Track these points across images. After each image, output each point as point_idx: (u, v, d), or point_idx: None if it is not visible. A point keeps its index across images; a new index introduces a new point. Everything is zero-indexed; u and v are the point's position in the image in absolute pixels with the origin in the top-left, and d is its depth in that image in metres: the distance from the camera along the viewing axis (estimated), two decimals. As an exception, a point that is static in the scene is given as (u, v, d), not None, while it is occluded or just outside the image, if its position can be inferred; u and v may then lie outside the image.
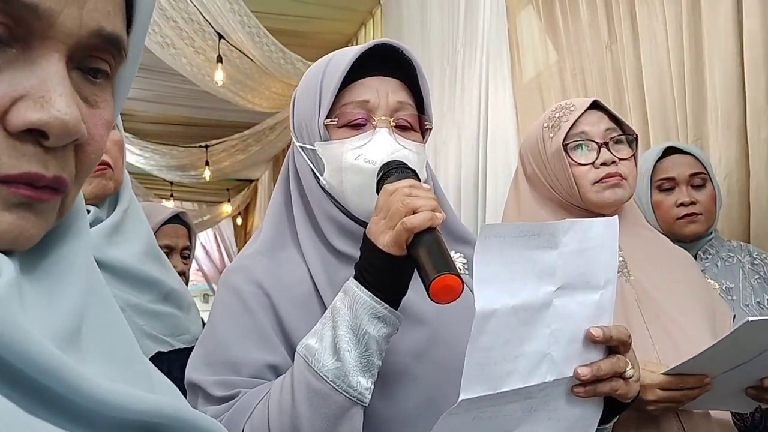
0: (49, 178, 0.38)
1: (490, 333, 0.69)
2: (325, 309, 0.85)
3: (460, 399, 0.69)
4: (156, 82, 5.13)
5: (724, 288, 1.57)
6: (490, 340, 0.69)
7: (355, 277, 0.80)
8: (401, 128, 0.93)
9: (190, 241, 1.88)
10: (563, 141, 1.22)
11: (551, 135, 1.25)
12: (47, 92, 0.37)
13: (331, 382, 0.75)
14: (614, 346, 0.80)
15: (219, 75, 4.09)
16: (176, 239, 1.85)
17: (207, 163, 6.20)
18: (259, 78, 4.41)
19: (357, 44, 4.70)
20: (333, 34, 4.56)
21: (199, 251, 8.98)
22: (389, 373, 0.83)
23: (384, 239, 0.77)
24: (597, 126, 1.23)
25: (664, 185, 1.69)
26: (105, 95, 0.43)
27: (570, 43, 2.51)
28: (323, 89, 0.91)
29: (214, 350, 0.87)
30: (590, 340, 0.77)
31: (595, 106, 1.26)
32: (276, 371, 0.84)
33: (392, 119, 0.91)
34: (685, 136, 1.94)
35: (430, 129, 0.98)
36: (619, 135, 1.24)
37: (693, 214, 1.65)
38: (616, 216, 0.80)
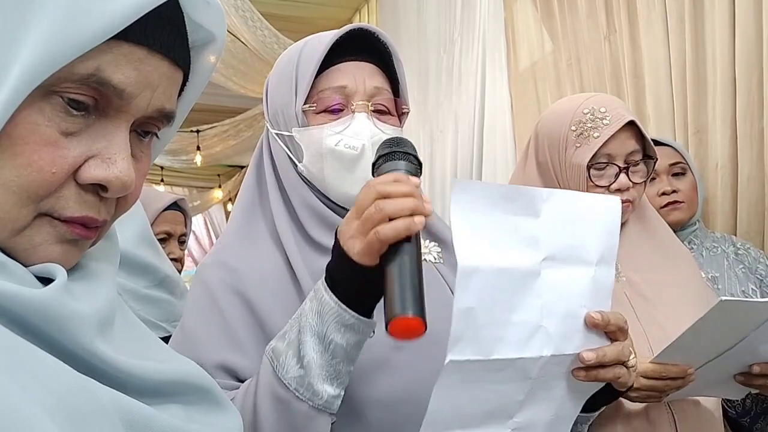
0: (99, 221, 0.49)
1: (474, 291, 0.66)
2: (305, 297, 0.83)
3: (447, 360, 0.65)
4: (147, 65, 5.07)
5: (709, 277, 1.60)
6: (475, 298, 0.66)
7: (326, 280, 0.74)
8: (379, 113, 0.93)
9: (187, 228, 1.89)
10: (588, 161, 1.20)
11: (577, 145, 1.21)
12: (113, 155, 0.47)
13: (294, 390, 0.72)
14: (612, 332, 0.78)
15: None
16: (174, 226, 1.86)
17: (198, 148, 6.15)
18: (252, 63, 4.36)
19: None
20: (328, 20, 4.52)
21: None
22: (368, 362, 0.82)
23: (354, 246, 0.70)
24: (623, 147, 1.21)
25: None
26: (148, 150, 0.53)
27: (566, 33, 2.50)
28: (299, 75, 0.91)
29: (182, 346, 0.85)
30: (590, 324, 0.75)
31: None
32: (241, 373, 0.82)
33: (370, 104, 0.91)
34: (684, 129, 1.94)
35: (407, 113, 0.97)
36: (639, 159, 1.23)
37: (675, 202, 1.69)
38: (618, 199, 0.79)
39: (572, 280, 0.74)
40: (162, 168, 7.20)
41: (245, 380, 0.81)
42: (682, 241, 1.69)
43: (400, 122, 0.96)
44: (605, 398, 0.84)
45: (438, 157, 3.50)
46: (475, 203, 0.67)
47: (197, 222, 8.91)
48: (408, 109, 0.97)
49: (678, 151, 1.75)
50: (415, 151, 0.78)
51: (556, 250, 0.73)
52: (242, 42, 4.13)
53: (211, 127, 5.98)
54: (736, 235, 1.78)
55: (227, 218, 8.99)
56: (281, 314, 0.83)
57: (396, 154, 0.77)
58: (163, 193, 2.03)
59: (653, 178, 1.71)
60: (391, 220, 0.67)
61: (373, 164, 0.79)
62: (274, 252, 0.91)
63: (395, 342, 0.83)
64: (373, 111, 0.91)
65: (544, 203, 0.72)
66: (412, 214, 0.67)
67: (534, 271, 0.71)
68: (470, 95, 3.15)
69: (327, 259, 0.78)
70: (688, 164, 1.75)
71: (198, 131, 6.04)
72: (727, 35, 1.78)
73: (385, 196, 0.69)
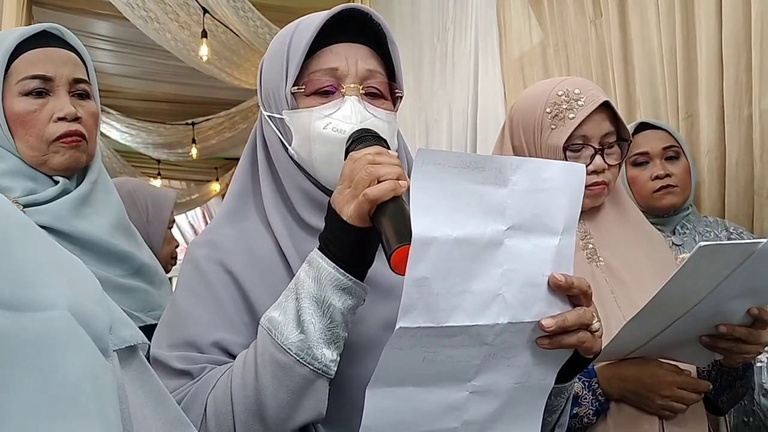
0: None
1: (429, 261, 0.66)
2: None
3: (397, 327, 0.66)
4: (141, 58, 5.06)
5: None
6: (430, 269, 0.67)
7: (320, 248, 0.78)
8: (371, 96, 0.90)
9: None
10: (564, 143, 1.19)
11: (552, 127, 1.20)
12: None
13: (294, 355, 0.74)
14: (575, 296, 0.77)
15: (204, 50, 4.02)
16: None
17: (194, 141, 6.14)
18: (245, 54, 4.35)
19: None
20: (321, 10, 4.49)
21: (187, 229, 8.95)
22: (359, 343, 0.83)
23: (347, 210, 0.75)
24: (598, 128, 1.20)
25: (638, 160, 1.71)
26: None
27: (554, 18, 2.48)
28: (290, 56, 0.89)
29: (175, 327, 0.86)
30: (553, 286, 0.74)
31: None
32: (235, 350, 0.83)
33: (362, 87, 0.89)
34: (675, 114, 1.92)
35: (401, 97, 0.96)
36: (614, 141, 1.23)
37: (669, 186, 1.68)
38: (583, 165, 0.78)
39: (536, 249, 0.74)
40: (159, 162, 7.19)
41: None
42: (675, 226, 1.70)
43: (394, 106, 0.94)
44: (577, 368, 0.84)
45: (434, 146, 3.49)
46: (438, 172, 0.67)
47: (195, 215, 8.91)
48: (402, 93, 0.95)
49: (671, 135, 1.74)
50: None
51: (522, 219, 0.72)
52: (234, 33, 4.11)
53: (206, 120, 5.97)
54: (724, 219, 1.77)
55: (225, 211, 9.04)
56: (269, 294, 0.83)
57: (368, 138, 0.82)
58: (165, 188, 2.19)
59: (646, 162, 1.70)
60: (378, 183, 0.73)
61: (347, 149, 0.83)
62: (264, 233, 0.91)
63: (385, 322, 0.85)
64: (365, 94, 0.89)
65: (513, 172, 0.72)
66: (398, 179, 0.74)
67: (496, 240, 0.71)
68: (464, 83, 3.13)
69: (317, 241, 0.80)
70: (681, 148, 1.73)
71: (193, 124, 6.03)
72: (714, 17, 1.76)
73: (374, 163, 0.75)
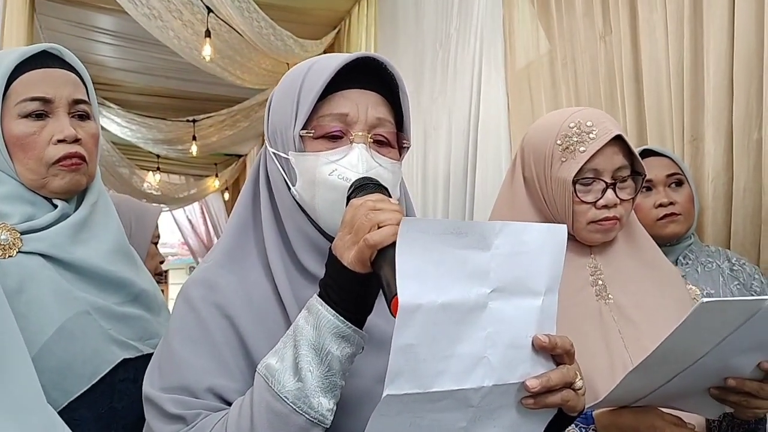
0: None
1: (415, 328, 0.67)
2: (290, 324, 0.83)
3: (384, 394, 0.67)
4: (143, 53, 5.03)
5: (704, 294, 1.57)
6: (416, 336, 0.67)
7: (320, 295, 0.78)
8: (378, 143, 0.91)
9: None
10: (574, 176, 1.17)
11: (563, 159, 1.18)
12: None
13: (291, 404, 0.74)
14: (559, 355, 0.78)
15: (207, 50, 3.99)
16: None
17: (194, 138, 6.11)
18: (249, 53, 4.32)
19: (350, 22, 4.57)
20: (325, 11, 4.46)
21: (185, 225, 8.93)
22: (353, 395, 0.82)
23: (348, 256, 0.75)
24: (610, 162, 1.18)
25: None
26: None
27: (562, 32, 2.46)
28: (301, 98, 0.89)
29: (169, 369, 0.85)
30: (538, 347, 0.75)
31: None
32: (230, 397, 0.82)
33: (370, 135, 0.90)
34: (681, 136, 1.90)
35: (408, 147, 0.96)
36: (627, 175, 1.20)
37: (673, 214, 1.66)
38: (564, 226, 0.78)
39: (520, 311, 0.75)
40: (158, 156, 7.16)
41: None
42: (677, 256, 1.68)
43: (400, 155, 0.95)
44: (560, 426, 0.83)
45: (431, 154, 3.46)
46: (423, 240, 0.68)
47: (193, 210, 8.89)
48: (409, 144, 0.96)
49: (675, 162, 1.72)
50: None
51: (505, 282, 0.74)
52: (238, 33, 4.08)
53: (207, 117, 5.94)
54: (729, 247, 1.75)
55: (226, 207, 9.00)
56: (266, 339, 0.83)
57: (370, 186, 0.83)
58: (151, 205, 2.21)
59: (650, 189, 1.68)
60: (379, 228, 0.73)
61: (348, 197, 0.84)
62: (262, 278, 0.91)
63: (380, 375, 0.83)
64: (373, 142, 0.90)
65: (495, 236, 0.73)
66: (398, 224, 0.71)
67: (480, 304, 0.72)
68: (465, 91, 3.10)
69: (316, 287, 0.79)
70: (685, 175, 1.72)
71: (194, 121, 5.99)
72: (725, 40, 1.74)
73: (375, 209, 0.75)
